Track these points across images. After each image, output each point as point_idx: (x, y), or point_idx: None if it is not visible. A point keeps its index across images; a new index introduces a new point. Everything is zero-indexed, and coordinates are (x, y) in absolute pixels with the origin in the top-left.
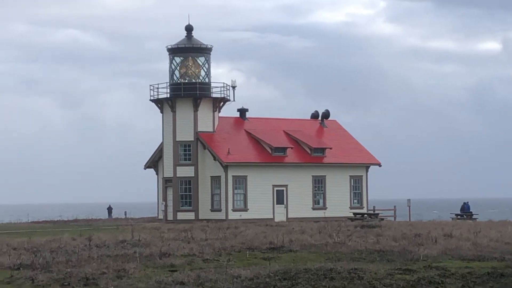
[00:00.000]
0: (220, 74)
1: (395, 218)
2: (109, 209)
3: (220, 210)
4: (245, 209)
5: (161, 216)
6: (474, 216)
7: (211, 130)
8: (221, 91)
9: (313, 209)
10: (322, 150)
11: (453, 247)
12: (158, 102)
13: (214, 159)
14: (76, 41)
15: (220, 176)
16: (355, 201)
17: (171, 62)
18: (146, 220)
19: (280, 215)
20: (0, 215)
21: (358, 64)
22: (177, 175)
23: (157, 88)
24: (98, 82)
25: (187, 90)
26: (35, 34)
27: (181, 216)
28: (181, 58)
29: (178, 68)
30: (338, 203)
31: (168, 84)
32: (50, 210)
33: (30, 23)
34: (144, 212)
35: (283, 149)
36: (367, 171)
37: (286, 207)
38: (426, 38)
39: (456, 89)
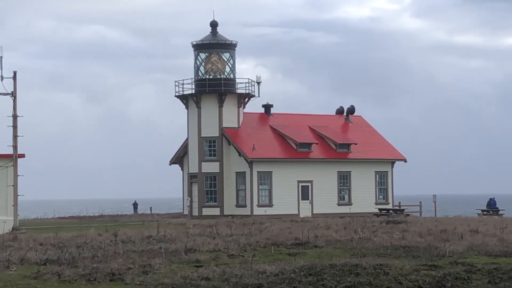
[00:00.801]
0: (245, 69)
1: (420, 214)
2: (135, 205)
3: (245, 206)
4: (270, 204)
5: (186, 212)
6: (500, 212)
7: (236, 126)
8: (246, 87)
9: (338, 204)
10: (347, 145)
11: (479, 243)
12: (183, 98)
13: (239, 154)
14: (101, 37)
15: (245, 172)
16: (381, 196)
17: (196, 58)
18: (172, 216)
19: (305, 211)
20: (27, 211)
21: (383, 59)
22: (202, 171)
23: (182, 84)
24: (123, 78)
25: (212, 86)
26: (61, 30)
27: (206, 211)
28: (206, 54)
29: (203, 64)
30: (364, 199)
31: (193, 80)
32: (76, 206)
33: (55, 19)
34: (169, 207)
35: (308, 145)
36: (392, 166)
37: (311, 202)
38: (452, 33)
39: (482, 84)
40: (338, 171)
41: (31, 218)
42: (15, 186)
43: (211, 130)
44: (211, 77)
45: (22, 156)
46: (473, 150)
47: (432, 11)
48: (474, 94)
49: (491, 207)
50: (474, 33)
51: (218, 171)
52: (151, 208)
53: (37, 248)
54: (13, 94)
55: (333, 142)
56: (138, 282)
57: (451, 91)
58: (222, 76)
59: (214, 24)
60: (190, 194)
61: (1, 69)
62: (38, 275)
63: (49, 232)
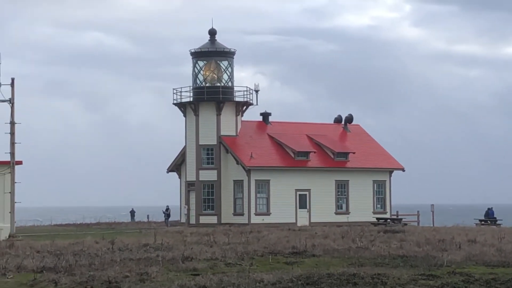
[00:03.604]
0: (244, 77)
1: (418, 223)
2: (132, 213)
3: (242, 214)
4: (267, 213)
5: (183, 220)
6: (498, 222)
7: (234, 134)
8: (244, 95)
9: (336, 213)
10: (345, 154)
11: (477, 252)
12: (181, 105)
13: (237, 163)
14: (100, 44)
15: (242, 180)
16: (378, 206)
17: (194, 66)
18: (169, 224)
19: (302, 220)
20: (24, 218)
21: (383, 68)
22: (200, 179)
23: (181, 91)
24: (122, 85)
25: (210, 94)
26: (60, 36)
27: (203, 220)
28: (204, 62)
29: (201, 71)
30: (361, 208)
31: (191, 87)
32: (73, 213)
33: (55, 25)
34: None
35: (306, 153)
36: (390, 175)
37: (309, 211)
38: (451, 42)
39: (481, 93)
40: (336, 180)
41: (28, 225)
42: (12, 193)
43: (209, 138)
44: (209, 85)
45: (20, 163)
46: (471, 159)
47: (432, 20)
48: (473, 103)
49: (489, 217)
50: (474, 42)
51: (216, 179)
52: (148, 216)
53: (34, 256)
54: (11, 101)
55: (331, 151)
56: None
57: (450, 100)
58: (220, 84)
59: (212, 32)
60: (187, 202)
61: None
62: (34, 282)
63: (46, 239)
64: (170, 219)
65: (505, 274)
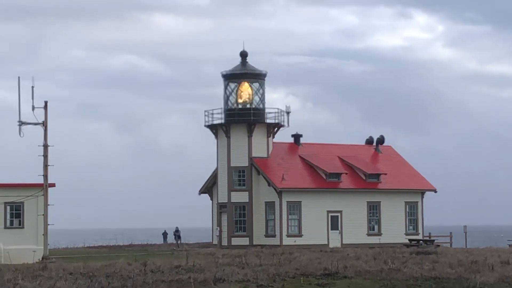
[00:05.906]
0: (275, 99)
1: (451, 245)
2: (164, 235)
3: (274, 236)
4: (299, 234)
5: (215, 242)
6: None
7: (266, 155)
8: (275, 116)
9: (368, 235)
10: (377, 176)
11: (510, 274)
12: (213, 127)
13: (269, 184)
14: (133, 66)
15: (274, 202)
16: (411, 227)
17: (225, 88)
18: (201, 246)
19: (334, 241)
20: (56, 240)
21: (415, 89)
22: (232, 201)
23: (212, 113)
24: (154, 107)
25: (241, 116)
26: (93, 59)
27: (235, 241)
28: (236, 83)
29: (232, 93)
30: (393, 229)
31: (222, 109)
32: (106, 235)
33: (88, 48)
34: (198, 237)
35: (338, 175)
36: (422, 197)
37: (341, 233)
38: (484, 62)
39: None
40: (367, 201)
41: (61, 247)
42: (45, 215)
43: (240, 159)
44: (240, 107)
45: (53, 185)
46: (505, 180)
47: (465, 41)
48: (506, 123)
49: None
50: (507, 62)
51: (248, 200)
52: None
53: (67, 278)
54: (44, 124)
55: (363, 172)
56: None
57: (483, 120)
58: (251, 106)
59: (244, 54)
60: (219, 223)
61: (32, 98)
62: None
63: (78, 261)
64: (181, 241)
65: None
